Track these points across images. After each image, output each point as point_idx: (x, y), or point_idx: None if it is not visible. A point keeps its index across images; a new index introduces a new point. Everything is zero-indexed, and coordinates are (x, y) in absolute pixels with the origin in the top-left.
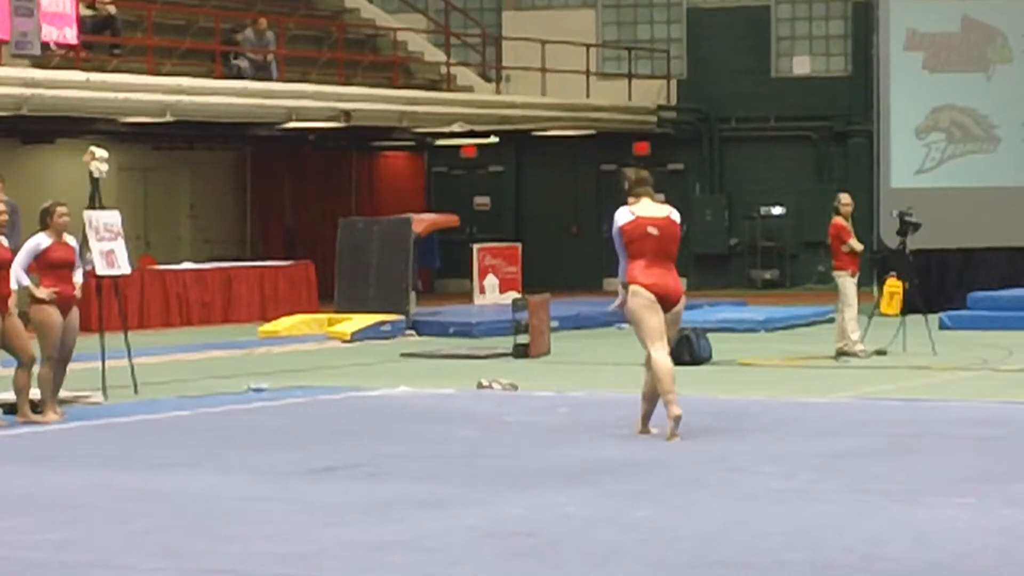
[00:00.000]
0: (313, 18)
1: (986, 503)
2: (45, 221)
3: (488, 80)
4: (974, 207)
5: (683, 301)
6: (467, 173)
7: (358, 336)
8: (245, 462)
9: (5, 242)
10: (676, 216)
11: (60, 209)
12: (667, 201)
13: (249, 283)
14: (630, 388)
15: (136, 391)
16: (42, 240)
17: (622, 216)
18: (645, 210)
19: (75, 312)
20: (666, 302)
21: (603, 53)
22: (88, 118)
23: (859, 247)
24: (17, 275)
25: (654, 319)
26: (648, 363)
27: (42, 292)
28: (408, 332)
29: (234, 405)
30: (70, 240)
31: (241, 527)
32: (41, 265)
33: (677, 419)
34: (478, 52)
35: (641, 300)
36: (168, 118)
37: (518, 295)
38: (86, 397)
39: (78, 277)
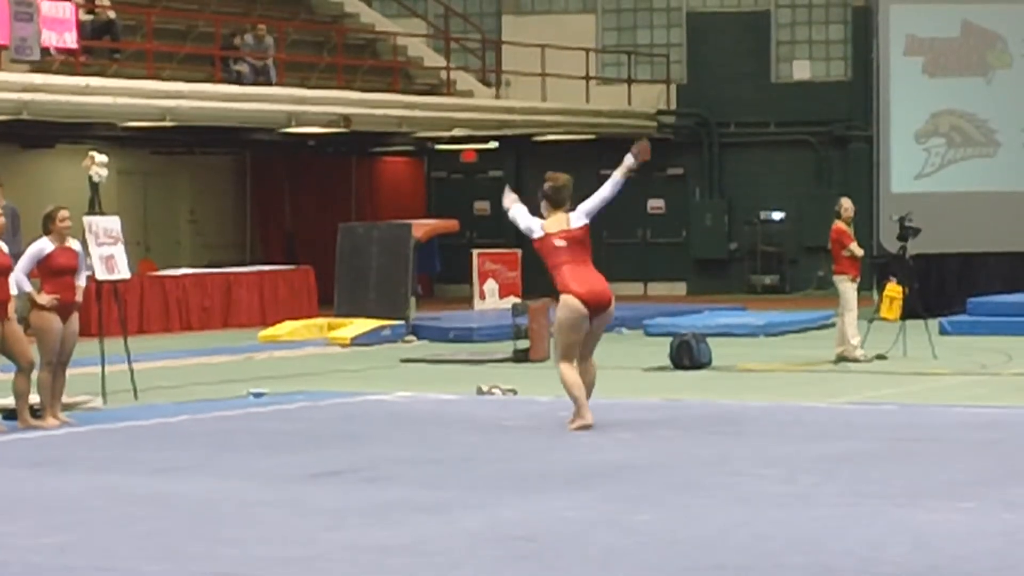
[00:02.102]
0: (313, 23)
1: (986, 507)
2: (47, 226)
3: (488, 85)
4: (974, 212)
5: (613, 303)
6: (467, 178)
7: (358, 341)
8: (245, 466)
9: (5, 248)
10: (576, 222)
11: (62, 213)
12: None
13: (249, 288)
14: (629, 392)
15: (136, 396)
16: (45, 245)
17: (536, 231)
18: (551, 223)
19: (75, 317)
20: (599, 308)
21: (603, 58)
22: (88, 123)
23: (860, 252)
24: (19, 280)
25: (573, 336)
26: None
27: (44, 298)
28: (408, 337)
29: (234, 410)
30: (74, 245)
31: (242, 530)
32: (43, 271)
33: (582, 428)
34: (478, 57)
35: (570, 314)
36: (168, 123)
37: (518, 300)
38: (86, 402)
39: (81, 281)
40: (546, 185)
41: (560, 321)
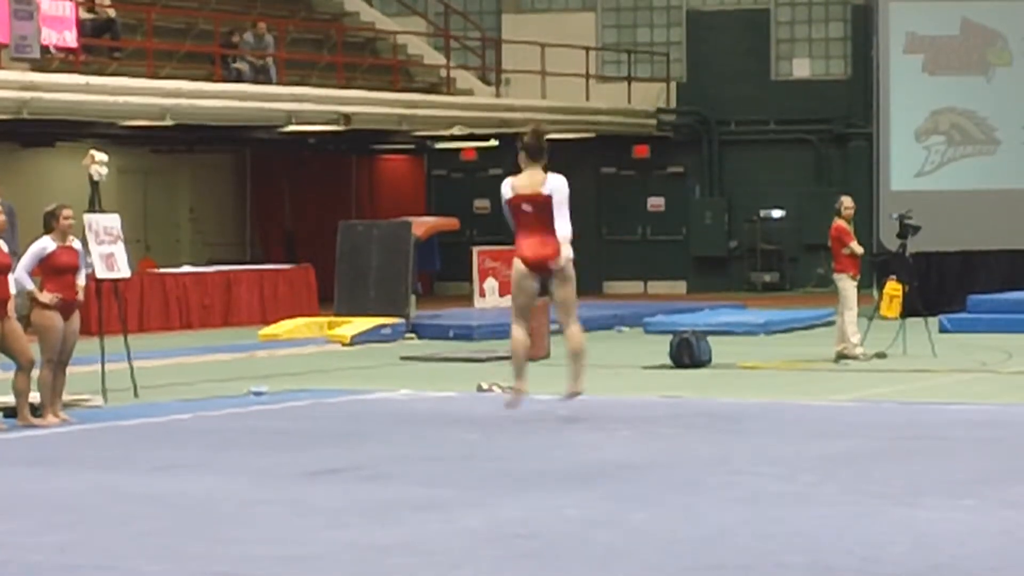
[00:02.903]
0: (312, 21)
1: (986, 505)
2: (50, 224)
3: (488, 83)
4: (974, 210)
5: (563, 258)
6: (467, 176)
7: (358, 339)
8: (245, 465)
9: (4, 247)
10: (550, 187)
11: (66, 212)
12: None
13: (249, 286)
14: (629, 391)
15: (136, 394)
16: (47, 244)
17: (505, 191)
18: (523, 184)
19: (76, 316)
20: (543, 269)
21: (603, 56)
22: (88, 121)
23: (860, 250)
24: (21, 278)
25: (521, 297)
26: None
27: (46, 296)
28: (408, 335)
29: (234, 408)
30: (75, 244)
31: (242, 529)
32: (45, 269)
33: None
34: (478, 55)
35: (514, 274)
36: (168, 121)
37: None
38: (86, 400)
39: (81, 279)
40: (526, 137)
41: (512, 282)
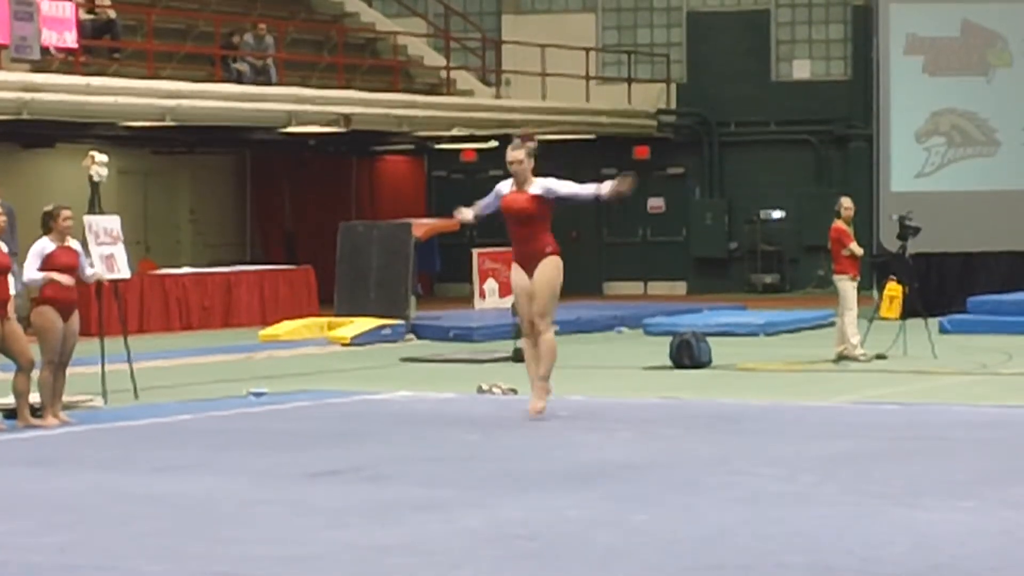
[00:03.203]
0: (313, 22)
1: (986, 505)
2: (48, 225)
3: (488, 84)
4: (974, 211)
5: None
6: (467, 177)
7: (358, 340)
8: (246, 465)
9: (4, 247)
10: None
11: (64, 213)
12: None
13: (249, 287)
14: (630, 392)
15: (136, 395)
16: (47, 245)
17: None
18: None
19: (76, 316)
20: None
21: (603, 57)
22: (88, 122)
23: (860, 251)
24: (32, 276)
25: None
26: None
27: (62, 277)
28: (408, 336)
29: (234, 409)
30: (74, 244)
31: (242, 530)
32: (45, 270)
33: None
34: (478, 56)
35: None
36: (168, 122)
37: None
38: (86, 401)
39: (90, 270)
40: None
41: (559, 282)
